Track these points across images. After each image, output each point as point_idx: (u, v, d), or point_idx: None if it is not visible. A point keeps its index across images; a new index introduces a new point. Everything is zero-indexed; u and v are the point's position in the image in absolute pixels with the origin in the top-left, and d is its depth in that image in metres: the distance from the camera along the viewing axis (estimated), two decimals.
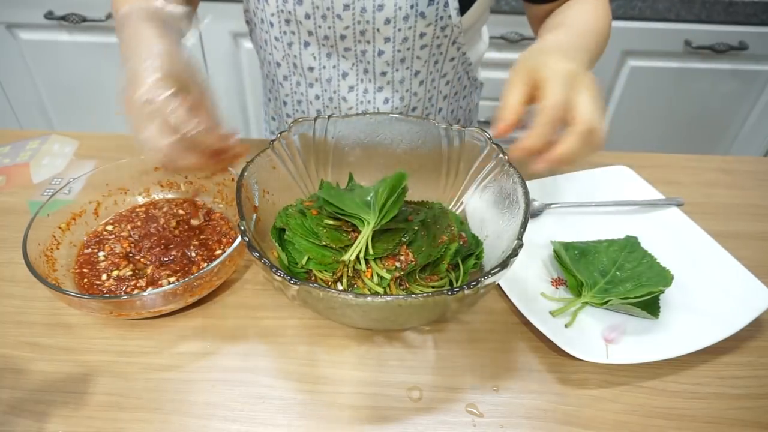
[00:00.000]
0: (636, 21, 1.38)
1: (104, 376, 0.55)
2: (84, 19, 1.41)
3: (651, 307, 0.60)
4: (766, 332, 0.61)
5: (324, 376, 0.56)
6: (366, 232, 0.55)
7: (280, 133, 0.63)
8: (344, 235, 0.57)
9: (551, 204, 0.74)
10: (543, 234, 0.70)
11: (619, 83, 1.51)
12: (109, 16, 1.40)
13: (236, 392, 0.54)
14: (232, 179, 0.69)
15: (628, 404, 0.54)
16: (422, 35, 0.74)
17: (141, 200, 0.73)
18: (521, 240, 0.51)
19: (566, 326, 0.59)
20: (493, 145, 0.62)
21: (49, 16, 1.41)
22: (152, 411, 0.52)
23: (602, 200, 0.75)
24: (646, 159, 0.88)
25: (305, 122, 0.65)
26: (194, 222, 0.69)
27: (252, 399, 0.54)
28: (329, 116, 0.66)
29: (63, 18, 1.41)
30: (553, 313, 0.60)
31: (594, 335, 0.59)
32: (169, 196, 0.74)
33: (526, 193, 0.56)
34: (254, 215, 0.59)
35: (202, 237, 0.68)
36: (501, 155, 0.61)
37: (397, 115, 0.67)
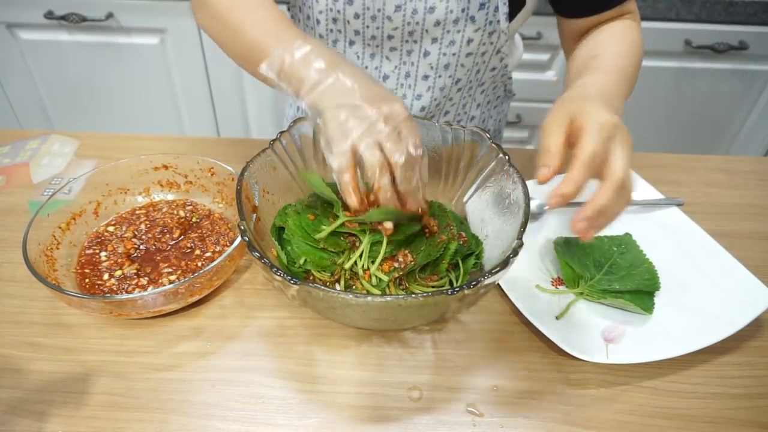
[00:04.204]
0: None
1: (104, 376, 0.55)
2: (84, 19, 1.41)
3: (645, 302, 0.60)
4: (766, 332, 0.61)
5: (324, 375, 0.56)
6: (365, 244, 0.55)
7: (280, 133, 0.63)
8: (342, 239, 0.57)
9: None
10: (543, 234, 0.70)
11: None
12: (109, 16, 1.40)
13: (236, 392, 0.54)
14: (232, 179, 0.69)
15: (628, 404, 0.54)
16: (469, 41, 0.73)
17: (141, 200, 0.73)
18: (521, 240, 0.51)
19: (557, 318, 0.59)
20: (493, 145, 0.62)
21: (49, 16, 1.41)
22: (152, 411, 0.52)
23: None
24: (646, 159, 0.88)
25: (305, 122, 0.65)
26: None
27: (252, 399, 0.54)
28: None
29: (63, 18, 1.41)
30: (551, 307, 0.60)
31: (594, 335, 0.59)
32: (169, 196, 0.74)
33: (526, 193, 0.56)
34: (254, 215, 0.59)
35: (201, 237, 0.68)
36: (501, 155, 0.61)
37: None
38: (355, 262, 0.56)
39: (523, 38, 1.40)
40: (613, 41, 0.70)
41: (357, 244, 0.56)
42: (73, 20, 1.41)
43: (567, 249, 0.66)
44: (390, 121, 0.49)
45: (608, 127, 0.49)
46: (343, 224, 0.56)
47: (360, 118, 0.49)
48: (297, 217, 0.60)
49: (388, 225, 0.54)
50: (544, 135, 0.51)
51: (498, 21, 0.72)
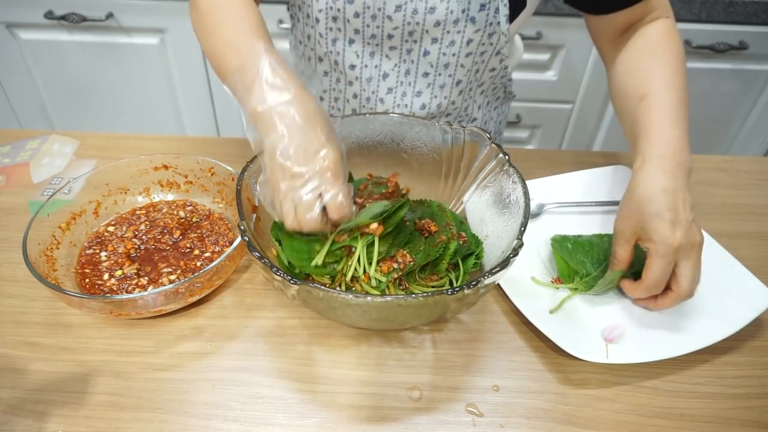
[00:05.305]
0: None
1: (104, 375, 0.55)
2: (84, 19, 1.41)
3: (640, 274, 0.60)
4: (766, 332, 0.61)
5: (324, 375, 0.56)
6: (360, 249, 0.55)
7: None
8: (337, 250, 0.57)
9: (551, 204, 0.74)
10: (542, 233, 0.70)
11: None
12: (109, 16, 1.40)
13: (236, 392, 0.54)
14: (232, 179, 0.69)
15: (628, 404, 0.54)
16: (469, 42, 0.73)
17: (141, 200, 0.73)
18: (521, 239, 0.51)
19: (551, 312, 0.59)
20: (493, 145, 0.62)
21: (49, 15, 1.41)
22: (152, 411, 0.52)
23: (602, 200, 0.75)
24: None
25: None
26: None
27: (252, 399, 0.54)
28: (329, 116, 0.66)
29: (63, 18, 1.41)
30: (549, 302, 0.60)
31: (594, 335, 0.59)
32: (169, 196, 0.74)
33: (526, 193, 0.56)
34: (254, 215, 0.59)
35: (201, 238, 0.68)
36: (501, 155, 0.61)
37: (397, 115, 0.67)
38: (354, 269, 0.55)
39: (523, 38, 1.40)
40: (658, 66, 0.66)
41: (353, 249, 0.56)
42: (73, 20, 1.41)
43: (564, 246, 0.66)
44: (311, 183, 0.51)
45: (673, 250, 0.56)
46: (334, 241, 0.56)
47: (288, 179, 0.51)
48: (290, 240, 0.57)
49: (374, 226, 0.54)
50: (615, 242, 0.62)
51: (498, 22, 0.72)
